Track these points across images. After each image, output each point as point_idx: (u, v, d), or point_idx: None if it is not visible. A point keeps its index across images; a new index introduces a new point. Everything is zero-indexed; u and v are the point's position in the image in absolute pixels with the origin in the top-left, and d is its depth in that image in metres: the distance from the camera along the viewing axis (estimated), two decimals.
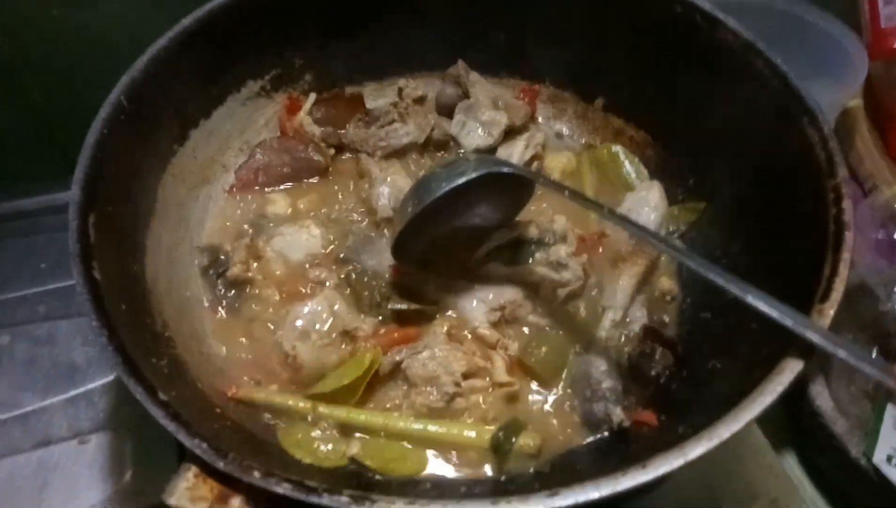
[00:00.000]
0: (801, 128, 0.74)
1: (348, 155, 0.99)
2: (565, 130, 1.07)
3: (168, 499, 0.54)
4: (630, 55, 0.95)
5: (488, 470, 0.73)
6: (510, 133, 1.00)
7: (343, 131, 0.99)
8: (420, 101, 1.03)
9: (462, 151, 0.99)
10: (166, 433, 0.56)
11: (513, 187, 0.80)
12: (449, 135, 0.99)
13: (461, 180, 0.73)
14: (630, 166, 0.98)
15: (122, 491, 0.79)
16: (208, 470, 0.55)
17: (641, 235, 0.73)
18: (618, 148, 0.99)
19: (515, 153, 0.96)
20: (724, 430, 0.55)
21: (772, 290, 0.74)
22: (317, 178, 0.97)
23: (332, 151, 0.99)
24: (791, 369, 0.59)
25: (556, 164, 1.00)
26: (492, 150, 0.98)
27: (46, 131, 1.13)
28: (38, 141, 1.14)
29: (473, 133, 0.98)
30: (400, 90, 1.02)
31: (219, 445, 0.55)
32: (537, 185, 0.82)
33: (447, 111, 1.02)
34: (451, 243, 0.83)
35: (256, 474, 0.53)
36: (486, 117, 0.98)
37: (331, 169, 0.98)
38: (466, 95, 1.00)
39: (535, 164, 0.99)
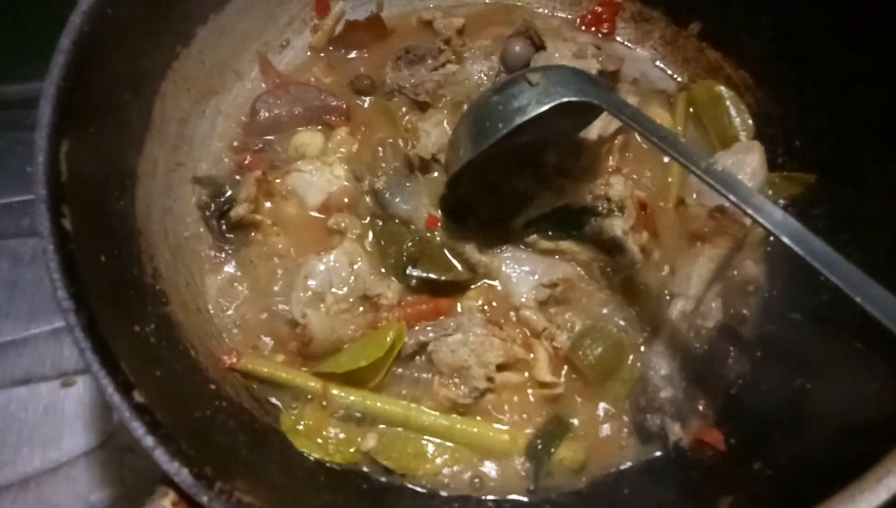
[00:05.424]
0: None
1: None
2: (648, 56, 0.88)
3: None
4: None
5: (522, 479, 0.63)
6: None
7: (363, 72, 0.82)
8: (460, 33, 0.84)
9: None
10: None
11: (579, 109, 0.64)
12: None
13: (522, 120, 0.61)
14: (736, 113, 0.79)
15: (108, 445, 0.72)
16: (189, 500, 0.45)
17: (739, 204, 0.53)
18: (721, 88, 0.80)
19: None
20: None
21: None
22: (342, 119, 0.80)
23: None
24: None
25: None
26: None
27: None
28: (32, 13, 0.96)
29: None
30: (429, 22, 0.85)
31: (201, 458, 0.46)
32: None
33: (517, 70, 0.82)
34: (502, 175, 0.71)
35: None
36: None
37: (352, 113, 0.81)
38: (542, 47, 0.81)
39: None
